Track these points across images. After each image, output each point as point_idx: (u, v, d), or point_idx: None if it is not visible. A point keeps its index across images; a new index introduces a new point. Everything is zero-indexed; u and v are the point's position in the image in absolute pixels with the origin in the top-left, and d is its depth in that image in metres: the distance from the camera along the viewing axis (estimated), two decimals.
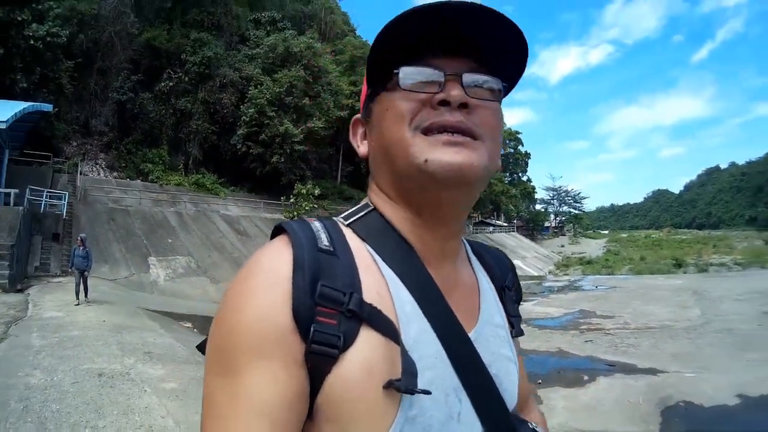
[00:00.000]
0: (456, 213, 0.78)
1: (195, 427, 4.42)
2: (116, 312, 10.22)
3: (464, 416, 0.71)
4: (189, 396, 5.27)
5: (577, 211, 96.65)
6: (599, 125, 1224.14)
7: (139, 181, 28.29)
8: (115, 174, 28.72)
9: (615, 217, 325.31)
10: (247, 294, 0.64)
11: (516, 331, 0.91)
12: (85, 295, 11.76)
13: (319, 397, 0.62)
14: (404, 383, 0.62)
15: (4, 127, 16.42)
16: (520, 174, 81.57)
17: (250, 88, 32.28)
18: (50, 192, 20.52)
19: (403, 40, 0.71)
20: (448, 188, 0.71)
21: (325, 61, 36.75)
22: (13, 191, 17.11)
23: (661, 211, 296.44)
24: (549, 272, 45.12)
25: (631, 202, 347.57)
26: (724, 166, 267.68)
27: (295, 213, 28.78)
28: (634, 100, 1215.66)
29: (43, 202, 19.62)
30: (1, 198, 17.19)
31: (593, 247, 70.84)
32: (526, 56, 0.75)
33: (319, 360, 0.61)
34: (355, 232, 0.76)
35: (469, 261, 0.91)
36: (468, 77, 0.72)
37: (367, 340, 0.64)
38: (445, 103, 0.70)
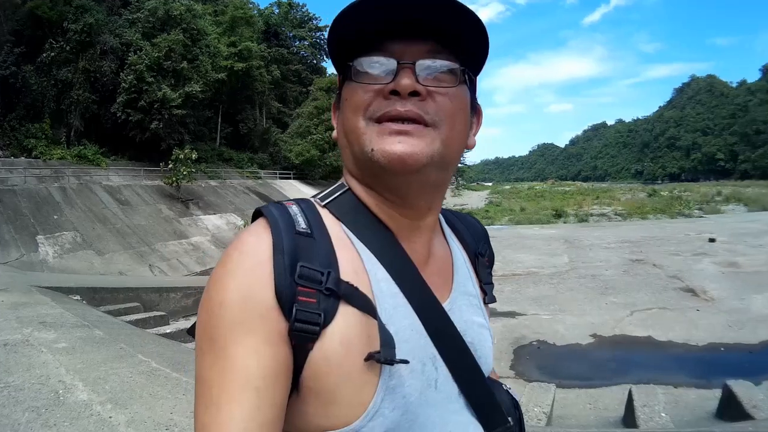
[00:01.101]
0: (419, 195, 0.79)
1: (80, 373, 5.62)
2: (12, 293, 11.20)
3: (441, 383, 0.76)
4: (76, 351, 6.65)
5: (459, 165, 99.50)
6: (486, 80, 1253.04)
7: (23, 158, 27.72)
8: (0, 153, 27.93)
9: (500, 170, 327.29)
10: (230, 274, 0.67)
11: (489, 298, 0.97)
12: None
13: (303, 372, 0.67)
14: (384, 354, 0.67)
15: None
16: None
17: (129, 54, 32.01)
18: None
19: (357, 27, 0.73)
20: (395, 175, 0.74)
21: (205, 22, 37.11)
22: None
23: (546, 163, 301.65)
24: None
25: (517, 155, 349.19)
26: (611, 123, 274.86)
27: (174, 178, 28.70)
28: (523, 57, 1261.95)
29: None
30: None
31: (475, 199, 71.00)
32: (486, 37, 0.77)
33: (302, 337, 0.65)
34: (331, 212, 0.79)
35: (443, 232, 0.94)
36: (421, 64, 0.73)
37: (345, 316, 0.68)
38: (395, 92, 0.72)
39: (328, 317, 0.67)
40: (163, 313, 12.46)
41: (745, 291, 11.44)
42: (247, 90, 44.26)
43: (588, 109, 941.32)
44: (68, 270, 18.40)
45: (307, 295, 0.67)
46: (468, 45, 0.77)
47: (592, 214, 41.09)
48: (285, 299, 0.65)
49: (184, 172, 28.83)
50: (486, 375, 0.84)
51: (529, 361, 9.03)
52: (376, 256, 0.75)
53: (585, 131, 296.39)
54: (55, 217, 22.20)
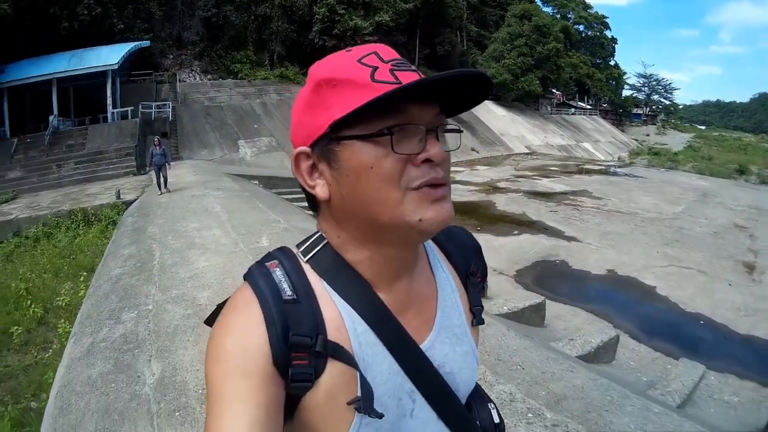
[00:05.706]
0: (417, 248, 0.85)
1: (222, 205, 10.25)
2: (208, 175, 15.97)
3: (417, 411, 0.83)
4: (227, 198, 11.36)
5: (666, 101, 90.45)
6: (711, 16, 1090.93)
7: (230, 79, 32.31)
8: (209, 77, 32.84)
9: (720, 113, 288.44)
10: (229, 333, 0.72)
11: (477, 321, 0.96)
12: (165, 185, 13.37)
13: (298, 408, 0.75)
14: (363, 405, 0.74)
15: (116, 67, 22.06)
16: (607, 59, 77.71)
17: None
18: (157, 104, 25.28)
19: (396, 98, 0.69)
20: (427, 237, 0.79)
21: None
22: (129, 109, 23.24)
23: (766, 115, 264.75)
24: (618, 158, 43.77)
25: (738, 101, 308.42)
26: None
27: None
28: None
29: (153, 112, 24.55)
30: (119, 115, 23.13)
31: (678, 140, 67.43)
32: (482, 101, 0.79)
33: (298, 389, 0.73)
34: (312, 268, 0.81)
35: (429, 263, 0.93)
36: (441, 130, 0.75)
37: (331, 369, 0.74)
38: (428, 161, 0.71)
39: (318, 371, 0.74)
40: None
41: None
42: (443, 16, 46.09)
43: None
44: (261, 166, 23.01)
45: (300, 359, 0.73)
46: (464, 106, 0.80)
47: None
48: (281, 366, 0.72)
49: None
50: (464, 396, 0.90)
51: (537, 272, 10.06)
52: (355, 311, 0.79)
53: None
54: (255, 126, 26.90)
